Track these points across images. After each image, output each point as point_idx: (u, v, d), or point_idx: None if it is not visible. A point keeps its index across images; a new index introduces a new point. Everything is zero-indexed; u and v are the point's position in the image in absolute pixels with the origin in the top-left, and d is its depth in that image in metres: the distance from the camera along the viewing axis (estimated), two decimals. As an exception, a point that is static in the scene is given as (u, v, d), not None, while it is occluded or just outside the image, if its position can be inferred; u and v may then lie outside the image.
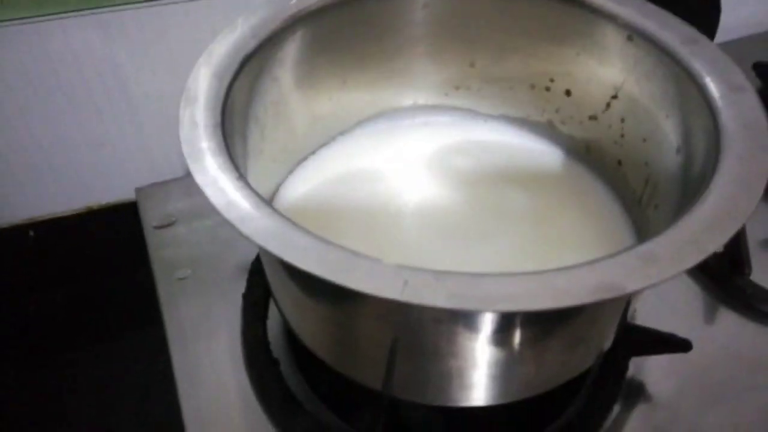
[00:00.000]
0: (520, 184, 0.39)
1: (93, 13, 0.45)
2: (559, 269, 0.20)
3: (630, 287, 0.19)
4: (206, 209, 0.47)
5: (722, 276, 0.42)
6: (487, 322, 0.24)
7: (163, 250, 0.45)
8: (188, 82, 0.29)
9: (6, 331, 0.56)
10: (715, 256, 0.43)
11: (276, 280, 0.31)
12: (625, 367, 0.37)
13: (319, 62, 0.37)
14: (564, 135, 0.40)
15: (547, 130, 0.41)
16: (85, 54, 0.47)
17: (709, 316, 0.42)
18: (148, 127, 0.52)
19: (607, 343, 0.30)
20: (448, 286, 0.20)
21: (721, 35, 0.50)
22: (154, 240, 0.46)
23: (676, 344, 0.35)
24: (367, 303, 0.25)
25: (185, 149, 0.25)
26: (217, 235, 0.46)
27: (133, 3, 0.45)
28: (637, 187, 0.35)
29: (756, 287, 0.41)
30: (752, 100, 0.27)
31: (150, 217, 0.47)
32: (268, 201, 0.24)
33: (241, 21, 0.33)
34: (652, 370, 0.38)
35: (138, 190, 0.50)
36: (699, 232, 0.21)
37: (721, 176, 0.24)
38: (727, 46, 0.31)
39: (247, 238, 0.22)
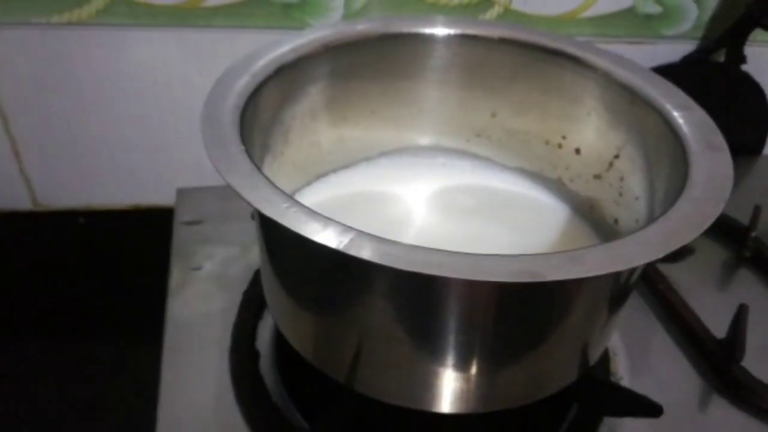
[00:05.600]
0: (517, 228, 0.41)
1: (176, 30, 0.51)
2: (492, 255, 0.22)
3: (549, 276, 0.21)
4: (232, 214, 0.51)
5: (719, 363, 0.41)
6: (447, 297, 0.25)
7: (186, 243, 0.49)
8: (225, 70, 0.33)
9: (37, 306, 0.61)
10: (716, 342, 0.42)
11: (263, 258, 0.33)
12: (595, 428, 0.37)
13: (351, 89, 0.41)
14: (572, 192, 0.42)
15: (556, 186, 0.43)
16: (161, 65, 0.53)
17: (701, 401, 0.41)
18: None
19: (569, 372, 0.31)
20: (385, 248, 0.22)
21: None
22: (180, 233, 0.50)
23: (647, 407, 0.34)
24: (330, 281, 0.28)
25: (204, 112, 0.29)
26: (235, 239, 0.49)
27: (215, 26, 0.51)
28: (626, 244, 0.36)
29: (751, 378, 0.40)
30: (725, 158, 0.28)
31: (182, 213, 0.52)
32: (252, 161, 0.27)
33: (285, 38, 0.38)
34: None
35: (179, 190, 0.54)
36: (630, 249, 0.23)
37: (672, 212, 0.25)
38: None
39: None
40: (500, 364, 0.28)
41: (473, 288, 0.24)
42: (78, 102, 0.54)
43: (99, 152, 0.57)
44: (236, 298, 0.44)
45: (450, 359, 0.27)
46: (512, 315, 0.26)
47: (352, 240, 0.22)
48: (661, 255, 0.22)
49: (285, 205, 0.24)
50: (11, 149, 0.56)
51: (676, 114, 0.32)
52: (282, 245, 0.29)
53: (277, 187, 0.25)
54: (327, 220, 0.23)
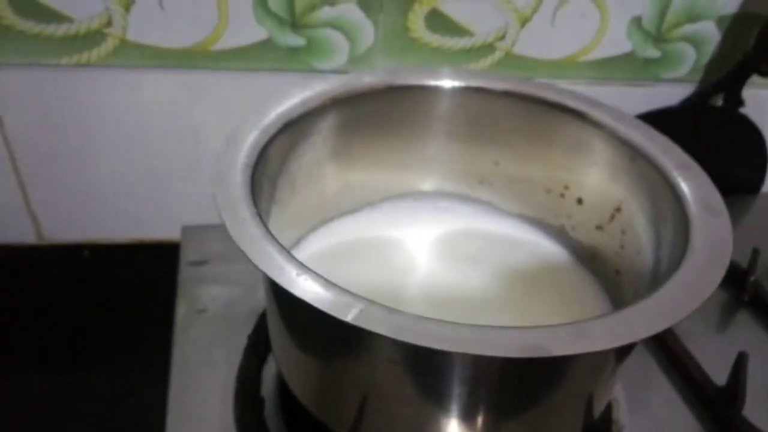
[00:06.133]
0: (519, 275, 0.41)
1: (185, 72, 0.52)
2: (499, 327, 0.23)
3: (555, 351, 0.21)
4: (237, 254, 0.51)
5: (718, 409, 0.42)
6: (446, 369, 0.25)
7: (191, 284, 0.49)
8: (235, 128, 0.34)
9: (40, 340, 0.61)
10: (717, 390, 0.43)
11: (268, 308, 0.34)
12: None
13: (357, 138, 0.42)
14: (573, 240, 0.43)
15: (558, 234, 0.44)
16: (169, 106, 0.54)
17: (701, 450, 0.41)
18: (209, 179, 0.58)
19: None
20: (394, 320, 0.22)
21: None
22: (185, 273, 0.50)
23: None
24: (338, 342, 0.28)
25: (215, 172, 0.29)
26: (240, 279, 0.50)
27: (222, 68, 0.52)
28: (628, 297, 0.37)
29: (750, 426, 0.40)
30: (725, 224, 0.29)
31: (188, 253, 0.52)
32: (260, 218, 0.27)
33: (296, 91, 0.39)
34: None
35: (184, 229, 0.55)
36: (635, 321, 0.23)
37: (674, 281, 0.26)
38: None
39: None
40: (506, 425, 0.29)
41: (479, 357, 0.24)
42: (85, 139, 0.54)
43: (104, 188, 0.57)
44: (241, 341, 0.44)
45: (455, 420, 0.28)
46: (517, 380, 0.27)
47: (361, 311, 0.22)
48: (666, 326, 0.23)
49: (295, 272, 0.25)
50: (18, 184, 0.56)
51: (675, 173, 0.33)
52: (290, 307, 0.30)
53: (289, 253, 0.26)
54: (337, 290, 0.24)
